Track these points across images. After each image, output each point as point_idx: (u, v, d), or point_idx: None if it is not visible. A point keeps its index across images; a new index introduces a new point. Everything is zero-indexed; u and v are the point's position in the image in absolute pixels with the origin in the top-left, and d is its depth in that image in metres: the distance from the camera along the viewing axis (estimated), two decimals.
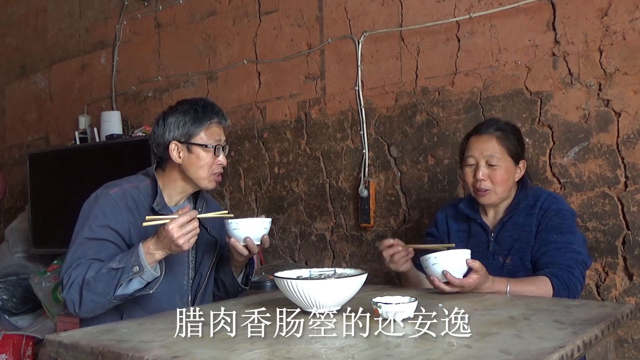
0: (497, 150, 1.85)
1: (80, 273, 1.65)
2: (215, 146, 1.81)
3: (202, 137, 1.80)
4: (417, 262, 1.97)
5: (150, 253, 1.62)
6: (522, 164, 1.90)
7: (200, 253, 1.92)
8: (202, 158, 1.80)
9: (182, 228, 1.59)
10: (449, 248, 1.73)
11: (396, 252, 1.79)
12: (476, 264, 1.59)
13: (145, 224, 1.63)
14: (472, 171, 1.88)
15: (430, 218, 2.34)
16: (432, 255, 1.60)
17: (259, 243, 1.75)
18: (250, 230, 1.73)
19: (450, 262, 1.59)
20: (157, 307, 1.79)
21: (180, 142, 1.80)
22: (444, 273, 1.59)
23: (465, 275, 1.60)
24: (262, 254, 3.01)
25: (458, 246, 1.79)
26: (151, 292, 1.67)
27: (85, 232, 1.73)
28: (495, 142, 1.86)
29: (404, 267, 1.83)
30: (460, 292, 1.61)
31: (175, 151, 1.80)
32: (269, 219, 1.77)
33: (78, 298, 1.64)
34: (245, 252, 1.75)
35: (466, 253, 1.61)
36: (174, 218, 1.61)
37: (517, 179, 1.90)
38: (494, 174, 1.85)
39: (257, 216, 3.07)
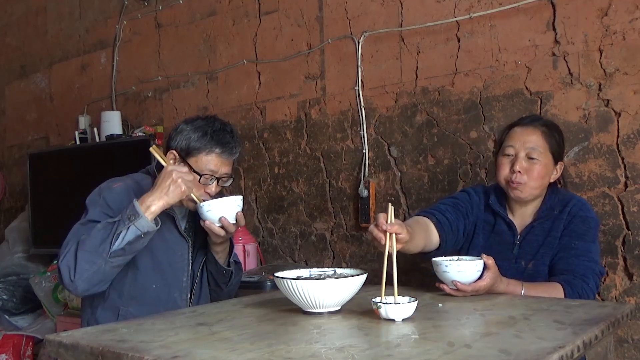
0: (541, 145, 1.78)
1: (76, 240, 1.66)
2: (204, 175, 1.77)
3: (197, 160, 1.78)
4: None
5: (145, 204, 1.64)
6: (560, 165, 1.84)
7: (195, 249, 1.93)
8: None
9: (180, 172, 1.68)
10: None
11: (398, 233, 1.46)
12: (490, 261, 1.54)
13: (151, 149, 1.74)
14: (510, 162, 1.79)
15: None
16: (443, 263, 1.56)
17: (234, 222, 1.75)
18: (224, 209, 1.73)
19: (463, 271, 1.54)
20: (156, 303, 1.80)
21: (179, 154, 1.80)
22: (454, 283, 1.54)
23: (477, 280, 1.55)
24: (262, 254, 3.01)
25: (475, 244, 1.80)
26: (145, 241, 1.67)
27: (89, 215, 1.75)
28: (540, 135, 1.79)
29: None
30: (475, 295, 1.57)
31: (172, 160, 1.81)
32: (240, 196, 1.77)
33: (73, 262, 1.62)
34: (222, 233, 1.76)
35: (478, 264, 1.55)
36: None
37: (552, 180, 1.83)
38: (531, 168, 1.76)
39: (256, 209, 3.07)
